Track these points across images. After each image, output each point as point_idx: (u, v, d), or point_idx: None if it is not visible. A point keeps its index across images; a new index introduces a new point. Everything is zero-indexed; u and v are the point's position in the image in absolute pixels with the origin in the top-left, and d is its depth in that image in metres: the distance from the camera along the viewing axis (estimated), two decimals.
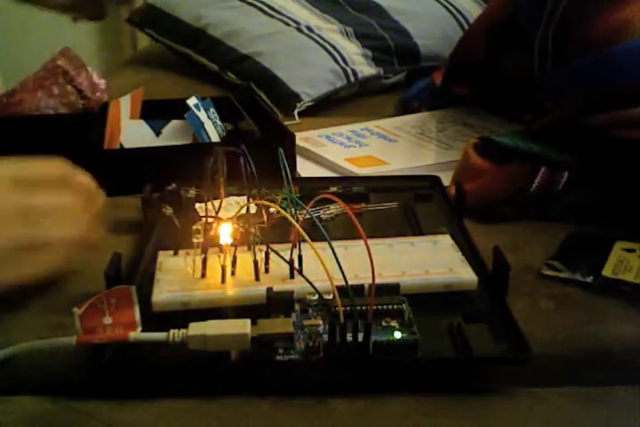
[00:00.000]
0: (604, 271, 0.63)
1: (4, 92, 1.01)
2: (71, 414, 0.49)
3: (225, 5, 1.32)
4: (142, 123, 0.91)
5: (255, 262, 0.58)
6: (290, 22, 1.25)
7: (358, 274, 0.54)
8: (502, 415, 0.50)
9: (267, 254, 0.59)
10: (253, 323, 0.51)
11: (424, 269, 0.59)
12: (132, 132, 0.90)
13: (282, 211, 0.55)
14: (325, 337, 0.50)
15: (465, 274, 0.58)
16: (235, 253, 0.58)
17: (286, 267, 0.58)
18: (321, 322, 0.51)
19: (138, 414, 0.49)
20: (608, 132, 0.72)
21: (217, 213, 0.64)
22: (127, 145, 0.88)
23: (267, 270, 0.59)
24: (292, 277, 0.58)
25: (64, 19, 2.10)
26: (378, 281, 0.50)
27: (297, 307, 0.54)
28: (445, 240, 0.64)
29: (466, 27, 1.27)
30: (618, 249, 0.66)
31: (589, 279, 0.63)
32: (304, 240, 0.54)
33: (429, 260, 0.60)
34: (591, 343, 0.56)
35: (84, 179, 0.59)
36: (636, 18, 0.74)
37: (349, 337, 0.50)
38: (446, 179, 0.79)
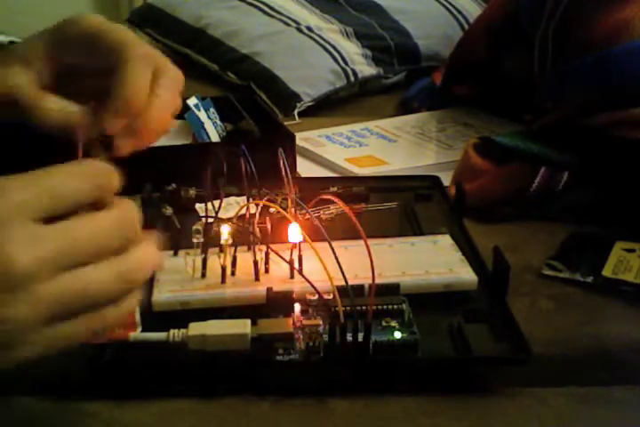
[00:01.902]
0: (604, 271, 0.63)
1: None
2: (71, 414, 0.49)
3: (225, 5, 1.32)
4: None
5: (255, 262, 0.58)
6: (290, 22, 1.25)
7: (358, 274, 0.54)
8: (502, 415, 0.50)
9: (267, 254, 0.59)
10: (253, 323, 0.51)
11: (424, 269, 0.59)
12: None
13: (282, 211, 0.55)
14: (325, 337, 0.50)
15: (465, 274, 0.58)
16: (235, 253, 0.58)
17: (286, 267, 0.58)
18: (321, 322, 0.51)
19: (138, 414, 0.49)
20: (608, 132, 0.72)
21: (217, 213, 0.64)
22: None
23: (267, 270, 0.59)
24: (291, 277, 0.58)
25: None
26: (378, 281, 0.50)
27: (297, 307, 0.54)
28: (445, 240, 0.64)
29: (466, 27, 1.27)
30: (618, 249, 0.66)
31: (589, 279, 0.63)
32: (304, 240, 0.54)
33: (429, 260, 0.60)
34: (591, 343, 0.56)
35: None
36: (636, 18, 0.74)
37: (349, 337, 0.50)
38: (446, 179, 0.79)
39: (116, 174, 0.43)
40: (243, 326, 0.50)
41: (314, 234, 0.52)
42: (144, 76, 0.50)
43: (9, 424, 0.48)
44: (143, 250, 0.42)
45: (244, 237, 0.59)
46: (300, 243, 0.57)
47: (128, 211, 0.42)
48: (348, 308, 0.50)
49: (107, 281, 0.40)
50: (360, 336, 0.50)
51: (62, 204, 0.40)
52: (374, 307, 0.52)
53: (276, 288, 0.56)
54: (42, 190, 0.39)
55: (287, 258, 0.57)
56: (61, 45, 0.52)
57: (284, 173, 0.61)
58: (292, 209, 0.63)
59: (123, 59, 0.50)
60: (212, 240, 0.59)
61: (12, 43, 0.65)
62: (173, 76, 0.52)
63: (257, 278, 0.58)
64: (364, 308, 0.51)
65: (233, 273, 0.58)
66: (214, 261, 0.58)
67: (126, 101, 0.50)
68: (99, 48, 0.51)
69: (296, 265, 0.58)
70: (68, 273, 0.39)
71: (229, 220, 0.59)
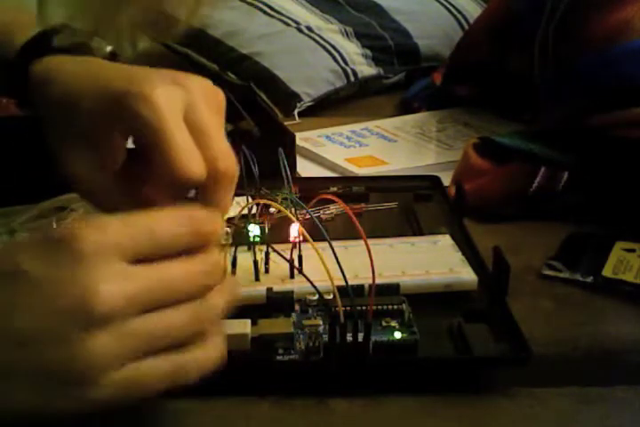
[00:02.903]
0: (604, 271, 0.63)
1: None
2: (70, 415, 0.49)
3: (225, 5, 1.32)
4: None
5: (255, 262, 0.58)
6: (290, 22, 1.25)
7: (358, 274, 0.54)
8: (502, 415, 0.50)
9: (267, 254, 0.59)
10: (253, 323, 0.51)
11: (424, 269, 0.59)
12: None
13: (283, 210, 0.55)
14: (325, 337, 0.50)
15: (465, 274, 0.58)
16: (235, 253, 0.58)
17: (286, 267, 0.58)
18: (321, 322, 0.51)
19: (138, 414, 0.49)
20: (608, 132, 0.72)
21: None
22: (127, 145, 0.87)
23: (267, 270, 0.59)
24: (291, 277, 0.58)
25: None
26: (378, 281, 0.50)
27: (297, 307, 0.54)
28: (446, 240, 0.64)
29: (466, 27, 1.27)
30: (618, 249, 0.66)
31: (589, 279, 0.63)
32: (304, 240, 0.54)
33: (430, 260, 0.60)
34: (591, 343, 0.56)
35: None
36: (636, 18, 0.74)
37: (349, 337, 0.50)
38: (446, 179, 0.79)
39: (219, 223, 0.44)
40: (243, 327, 0.50)
41: (314, 234, 0.52)
42: (184, 138, 0.47)
43: (7, 424, 0.48)
44: (220, 295, 0.43)
45: (243, 237, 0.59)
46: (299, 243, 0.57)
47: (219, 258, 0.43)
48: (348, 308, 0.50)
49: (183, 323, 0.41)
50: (360, 336, 0.50)
51: (158, 247, 0.41)
52: (374, 307, 0.52)
53: (276, 288, 0.56)
54: (140, 232, 0.40)
55: (287, 258, 0.57)
56: (120, 124, 0.50)
57: (284, 173, 0.61)
58: (293, 209, 0.63)
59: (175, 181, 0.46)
60: None
61: (114, 55, 0.62)
62: (229, 173, 0.48)
63: (257, 278, 0.58)
64: (364, 308, 0.51)
65: (233, 273, 0.58)
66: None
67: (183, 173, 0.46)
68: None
69: (296, 265, 0.58)
70: (149, 314, 0.40)
71: (230, 220, 0.58)
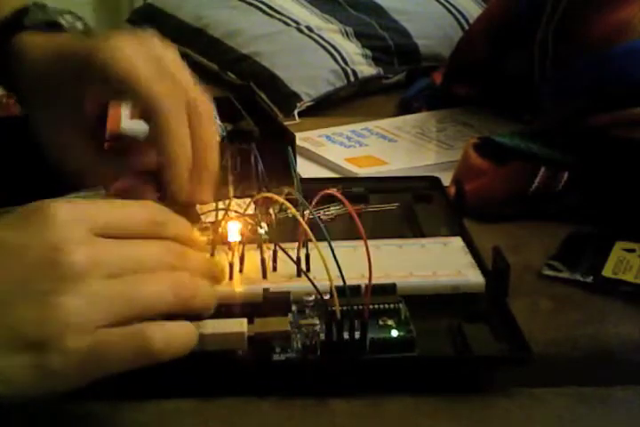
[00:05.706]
0: (604, 271, 0.63)
1: (4, 91, 1.01)
2: (70, 415, 0.49)
3: (224, 5, 1.32)
4: (142, 123, 0.91)
5: (262, 260, 0.58)
6: (290, 22, 1.25)
7: (365, 274, 0.53)
8: (502, 415, 0.50)
9: (274, 253, 0.59)
10: (250, 322, 0.50)
11: (432, 270, 0.58)
12: (132, 132, 0.89)
13: (295, 211, 0.55)
14: (323, 336, 0.50)
15: (472, 277, 0.58)
16: (242, 250, 0.58)
17: (294, 265, 0.57)
18: (318, 321, 0.51)
19: (136, 415, 0.49)
20: (608, 132, 0.72)
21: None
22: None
23: (275, 268, 0.58)
24: (298, 275, 0.58)
25: None
26: (381, 281, 0.50)
27: (294, 308, 0.54)
28: (457, 242, 0.63)
29: (466, 27, 1.27)
30: (618, 249, 0.66)
31: (589, 279, 0.63)
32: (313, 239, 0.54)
33: (438, 261, 0.60)
34: (591, 343, 0.56)
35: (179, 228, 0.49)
36: (636, 18, 0.74)
37: (346, 335, 0.50)
38: (446, 179, 0.79)
39: (174, 216, 0.48)
40: (239, 325, 0.50)
41: (319, 233, 0.52)
42: (182, 132, 0.54)
43: (7, 424, 0.48)
44: (195, 269, 0.47)
45: (252, 235, 0.59)
46: (307, 242, 0.57)
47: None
48: (346, 307, 0.50)
49: (159, 290, 0.43)
50: (357, 335, 0.50)
51: (120, 226, 0.44)
52: (372, 306, 0.52)
53: (281, 286, 0.56)
54: (110, 210, 0.45)
55: (296, 256, 0.57)
56: (90, 88, 0.54)
57: (292, 172, 0.61)
58: (300, 208, 0.62)
59: (156, 119, 0.55)
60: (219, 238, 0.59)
61: (87, 32, 0.63)
62: (205, 108, 0.55)
63: (264, 276, 0.58)
64: (360, 307, 0.50)
65: (241, 270, 0.58)
66: (222, 259, 0.58)
67: (177, 177, 0.53)
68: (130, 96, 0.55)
69: (304, 263, 0.58)
70: (121, 278, 0.42)
71: (242, 214, 0.58)
